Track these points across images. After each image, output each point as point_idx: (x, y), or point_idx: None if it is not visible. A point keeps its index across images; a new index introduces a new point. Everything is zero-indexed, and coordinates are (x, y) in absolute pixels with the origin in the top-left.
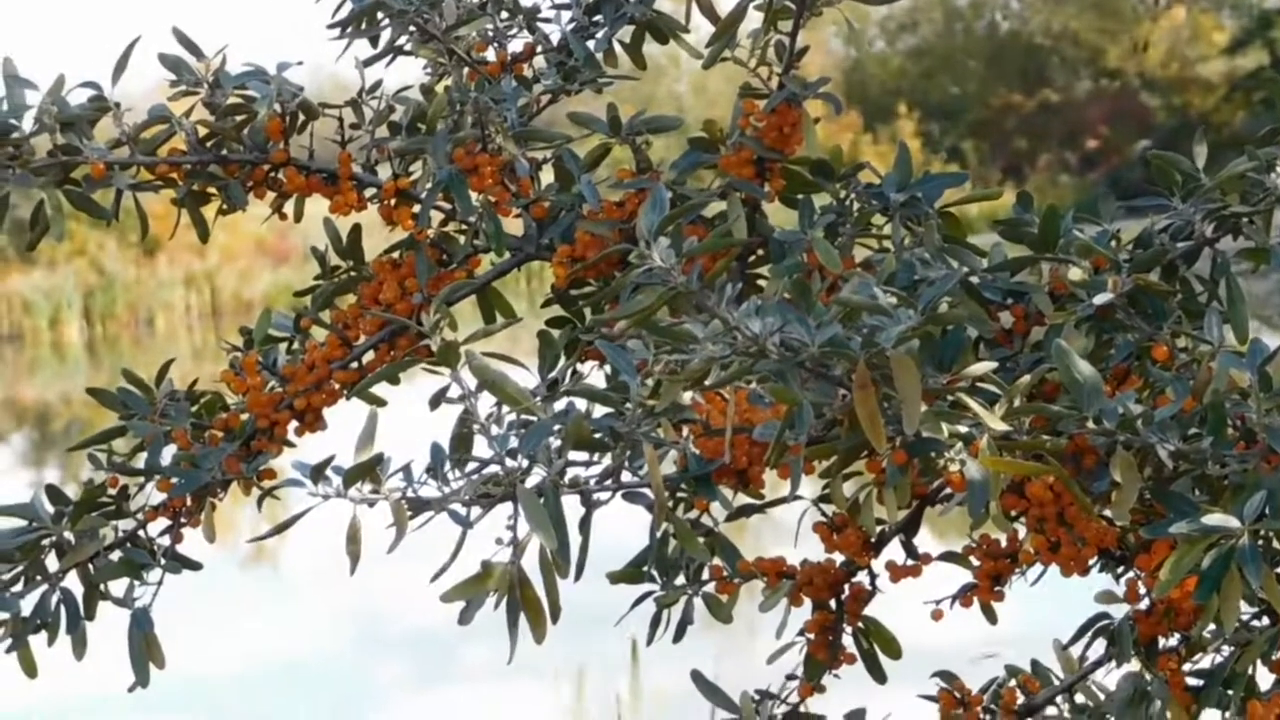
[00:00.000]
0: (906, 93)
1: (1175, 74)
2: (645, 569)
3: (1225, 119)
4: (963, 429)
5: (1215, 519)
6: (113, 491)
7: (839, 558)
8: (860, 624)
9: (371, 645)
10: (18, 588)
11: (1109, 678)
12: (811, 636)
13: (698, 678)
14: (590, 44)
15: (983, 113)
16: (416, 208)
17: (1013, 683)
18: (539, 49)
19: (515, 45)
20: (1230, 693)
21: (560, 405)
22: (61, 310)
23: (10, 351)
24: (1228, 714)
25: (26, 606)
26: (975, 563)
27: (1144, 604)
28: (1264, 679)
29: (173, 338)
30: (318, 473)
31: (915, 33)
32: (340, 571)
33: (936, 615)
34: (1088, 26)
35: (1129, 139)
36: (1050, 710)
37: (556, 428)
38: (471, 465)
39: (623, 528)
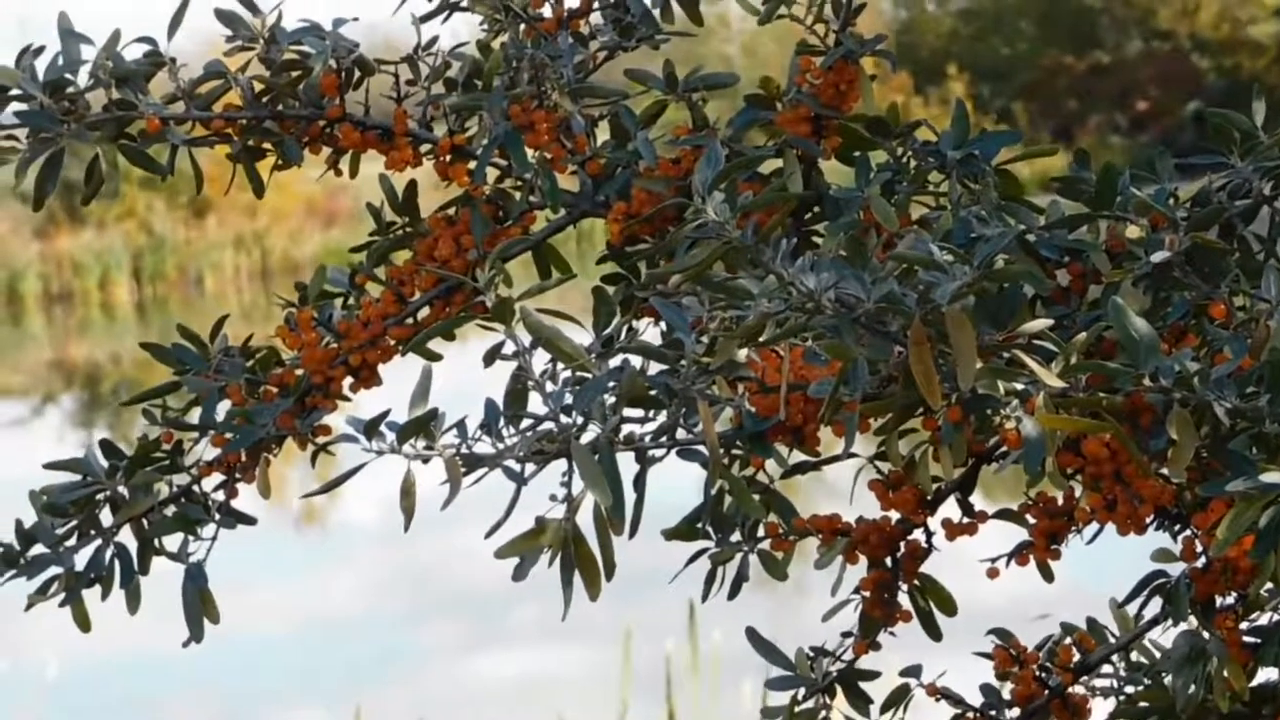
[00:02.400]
0: (957, 54)
1: (1226, 35)
2: (700, 526)
3: (1276, 81)
4: (1019, 386)
5: (1273, 477)
6: (167, 447)
7: (894, 515)
8: (916, 582)
9: (421, 605)
10: (71, 542)
11: (1165, 636)
12: (867, 594)
13: (752, 635)
14: (647, 1)
15: (1033, 74)
16: (472, 164)
17: (1068, 640)
18: (595, 5)
19: (571, 1)
20: None
21: (615, 362)
22: (111, 271)
23: (60, 312)
24: None
25: (80, 561)
26: (1031, 521)
27: (1201, 562)
28: None
29: (222, 298)
30: (372, 428)
31: None
32: (389, 533)
33: (992, 573)
34: None
35: (1179, 101)
36: (1106, 668)
37: (611, 384)
38: (526, 422)
39: (677, 484)
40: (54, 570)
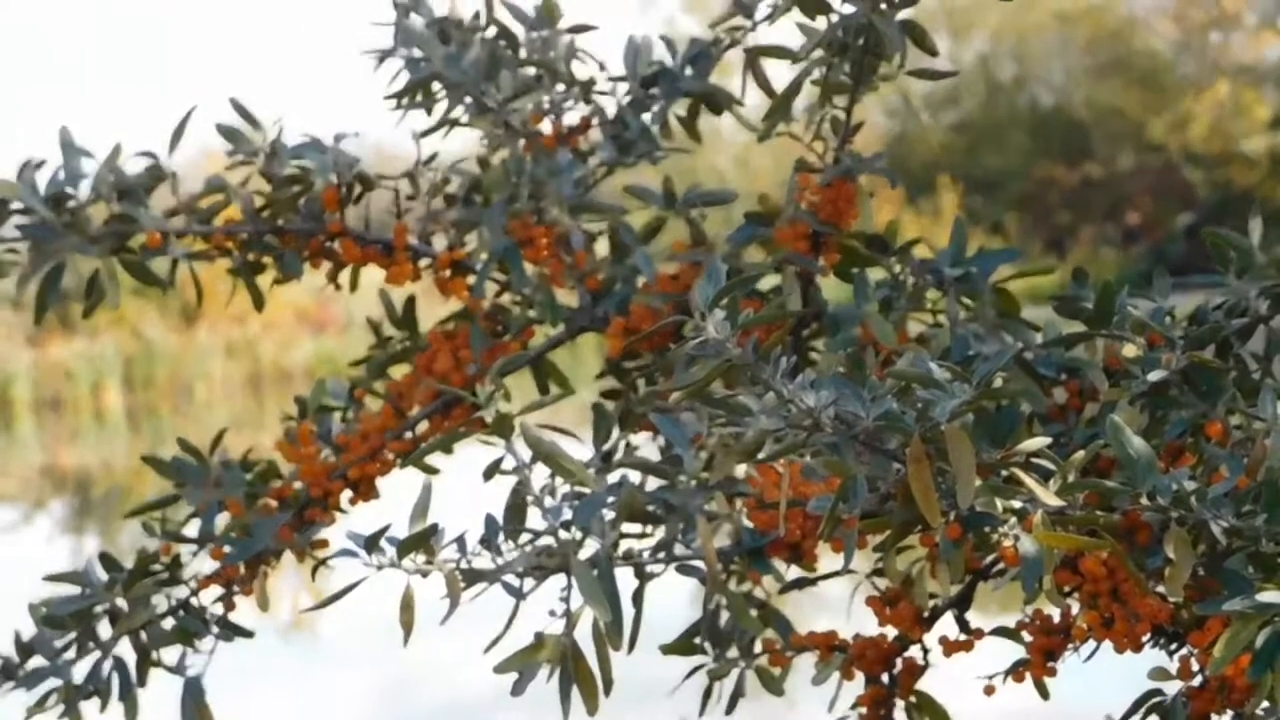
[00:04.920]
0: (949, 166)
1: (1218, 149)
2: (697, 641)
3: (1268, 194)
4: (1017, 504)
5: (1269, 596)
6: (165, 559)
7: (891, 632)
8: (912, 698)
9: (408, 714)
10: (70, 654)
11: None
12: (864, 710)
13: None
14: (646, 117)
15: (1025, 186)
16: (471, 279)
17: None
18: (595, 121)
19: (571, 118)
20: None
21: (614, 477)
22: (102, 378)
23: (51, 418)
24: None
25: (79, 673)
26: (1028, 638)
27: (1197, 680)
28: None
29: (213, 406)
30: (372, 543)
31: (958, 106)
32: (377, 640)
33: (989, 690)
34: (1131, 101)
35: (1171, 213)
36: None
37: (610, 500)
38: (525, 537)
39: (674, 599)
40: (53, 682)
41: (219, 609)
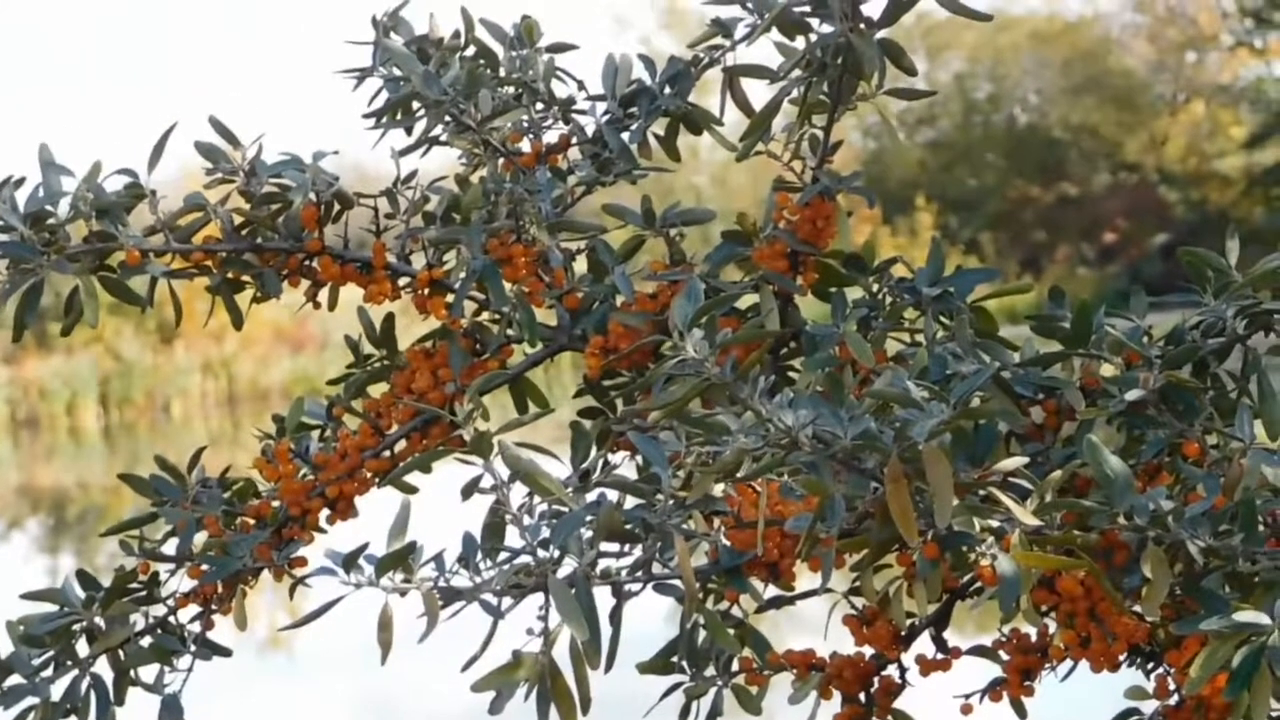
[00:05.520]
0: (925, 185)
1: (1194, 168)
2: (675, 660)
3: (1244, 214)
4: (994, 523)
5: (1246, 616)
6: (143, 577)
7: (869, 650)
8: (890, 717)
9: None
10: (48, 673)
11: None
12: None
13: None
14: (625, 136)
15: (1001, 205)
16: (450, 297)
17: None
18: (574, 140)
19: (550, 136)
20: None
21: (592, 496)
22: (79, 396)
23: (27, 437)
24: None
25: (57, 691)
26: (1005, 657)
27: (1174, 700)
28: None
29: (189, 424)
30: (350, 561)
31: (934, 125)
32: (355, 658)
33: (966, 709)
34: (1106, 120)
35: (1147, 233)
36: None
37: (588, 519)
38: (503, 555)
39: (651, 617)
40: (30, 700)
41: (197, 627)
